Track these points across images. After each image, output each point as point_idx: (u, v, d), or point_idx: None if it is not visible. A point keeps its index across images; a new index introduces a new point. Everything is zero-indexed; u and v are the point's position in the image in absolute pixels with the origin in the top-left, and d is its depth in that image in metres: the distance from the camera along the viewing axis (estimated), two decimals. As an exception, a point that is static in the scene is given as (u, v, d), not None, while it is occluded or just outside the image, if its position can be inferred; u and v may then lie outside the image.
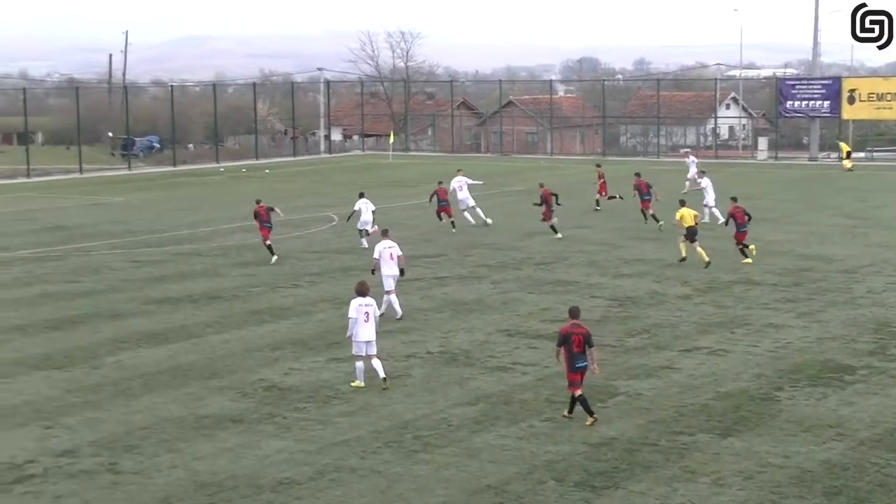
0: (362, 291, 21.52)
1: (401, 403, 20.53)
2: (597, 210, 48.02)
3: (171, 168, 76.31)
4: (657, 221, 41.73)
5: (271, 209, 36.49)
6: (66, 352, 24.40)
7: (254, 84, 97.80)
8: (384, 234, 28.69)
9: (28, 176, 69.90)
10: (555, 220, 40.35)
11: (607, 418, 19.38)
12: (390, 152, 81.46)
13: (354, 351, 21.47)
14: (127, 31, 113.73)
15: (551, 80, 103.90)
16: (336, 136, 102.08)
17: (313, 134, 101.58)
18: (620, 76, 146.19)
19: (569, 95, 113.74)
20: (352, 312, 21.31)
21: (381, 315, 27.34)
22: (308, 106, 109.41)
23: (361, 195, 39.50)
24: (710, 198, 43.88)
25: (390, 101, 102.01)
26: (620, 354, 23.80)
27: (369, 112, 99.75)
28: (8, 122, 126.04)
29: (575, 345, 18.94)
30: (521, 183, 58.31)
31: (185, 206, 50.84)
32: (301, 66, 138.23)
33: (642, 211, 43.21)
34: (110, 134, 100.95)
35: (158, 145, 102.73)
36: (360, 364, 21.49)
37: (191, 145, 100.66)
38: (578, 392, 19.11)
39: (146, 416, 19.77)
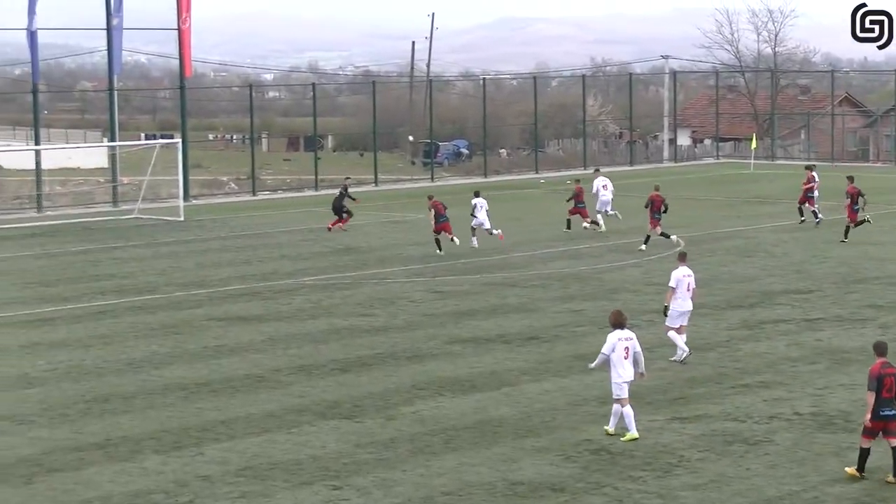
0: (619, 323, 22.42)
1: (761, 476, 20.31)
2: (802, 220, 49.00)
3: (480, 179, 77.89)
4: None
5: (446, 207, 44.78)
6: (357, 399, 25.32)
7: (583, 76, 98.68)
8: (682, 258, 28.46)
9: (316, 188, 72.80)
10: (657, 231, 44.50)
11: None
12: (752, 160, 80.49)
13: (615, 392, 22.28)
14: (433, 14, 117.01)
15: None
16: (683, 139, 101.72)
17: (655, 137, 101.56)
18: None
19: None
20: (606, 347, 22.27)
21: (683, 361, 27.36)
22: (649, 103, 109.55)
23: (477, 194, 46.68)
24: None
25: (753, 96, 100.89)
26: None
27: (726, 110, 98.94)
28: (294, 123, 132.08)
29: (885, 388, 19.52)
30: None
31: (497, 226, 51.80)
32: (642, 54, 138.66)
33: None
34: (410, 138, 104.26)
35: (466, 151, 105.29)
36: (617, 408, 22.27)
37: (504, 151, 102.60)
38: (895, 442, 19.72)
39: (449, 480, 20.29)
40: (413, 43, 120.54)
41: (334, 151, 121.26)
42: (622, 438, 22.14)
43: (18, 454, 21.77)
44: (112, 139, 68.27)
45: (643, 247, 44.38)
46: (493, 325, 32.49)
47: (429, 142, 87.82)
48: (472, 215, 46.02)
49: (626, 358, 22.21)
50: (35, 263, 44.19)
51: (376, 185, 74.77)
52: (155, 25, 68.68)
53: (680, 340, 27.85)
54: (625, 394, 22.21)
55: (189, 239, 50.30)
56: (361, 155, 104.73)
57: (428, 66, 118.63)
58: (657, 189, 45.63)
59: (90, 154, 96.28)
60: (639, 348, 22.53)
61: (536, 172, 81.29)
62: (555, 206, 59.81)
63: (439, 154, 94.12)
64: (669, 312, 27.87)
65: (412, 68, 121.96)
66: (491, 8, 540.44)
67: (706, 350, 29.11)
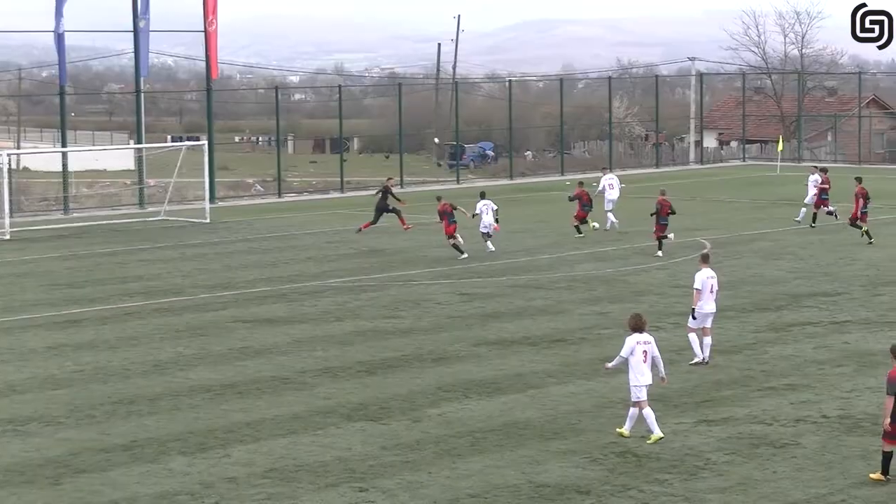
0: (638, 326, 22.48)
1: (788, 479, 20.25)
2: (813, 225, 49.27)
3: (506, 181, 77.94)
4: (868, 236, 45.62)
5: (455, 207, 44.21)
6: (383, 401, 25.35)
7: (609, 78, 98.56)
8: (704, 260, 28.48)
9: (342, 190, 72.99)
10: (671, 235, 44.32)
11: None
12: (778, 163, 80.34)
13: (634, 395, 22.38)
14: (459, 16, 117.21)
15: None
16: (710, 142, 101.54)
17: (681, 139, 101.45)
18: None
19: None
20: (625, 350, 22.40)
21: (705, 362, 27.58)
22: (675, 105, 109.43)
23: (482, 195, 46.03)
24: None
25: (779, 98, 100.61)
26: None
27: (752, 112, 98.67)
28: (320, 125, 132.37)
29: None
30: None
31: (523, 228, 51.81)
32: (668, 55, 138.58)
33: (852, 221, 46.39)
34: (436, 140, 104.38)
35: (492, 153, 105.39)
36: (633, 411, 22.42)
37: (529, 153, 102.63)
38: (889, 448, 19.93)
39: (475, 482, 20.30)
40: (439, 45, 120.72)
41: (360, 153, 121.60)
42: (648, 441, 22.13)
43: (46, 455, 21.87)
44: (139, 141, 68.54)
45: (659, 253, 43.63)
46: (518, 327, 32.49)
47: (455, 144, 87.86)
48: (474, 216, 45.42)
49: (644, 361, 22.30)
50: (62, 265, 44.37)
51: (402, 186, 74.79)
52: (181, 27, 68.87)
53: (696, 345, 27.88)
54: (644, 396, 22.29)
55: (215, 241, 50.42)
56: (387, 157, 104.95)
57: (454, 67, 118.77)
58: (663, 194, 44.85)
59: (117, 156, 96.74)
60: (657, 353, 22.62)
61: (562, 174, 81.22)
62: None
63: (465, 156, 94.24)
64: (697, 315, 27.88)
65: (438, 70, 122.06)
66: (517, 10, 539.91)
67: (732, 353, 29.06)
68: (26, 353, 30.10)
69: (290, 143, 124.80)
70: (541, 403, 25.00)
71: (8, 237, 51.07)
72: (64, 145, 65.95)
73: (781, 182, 72.24)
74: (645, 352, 22.33)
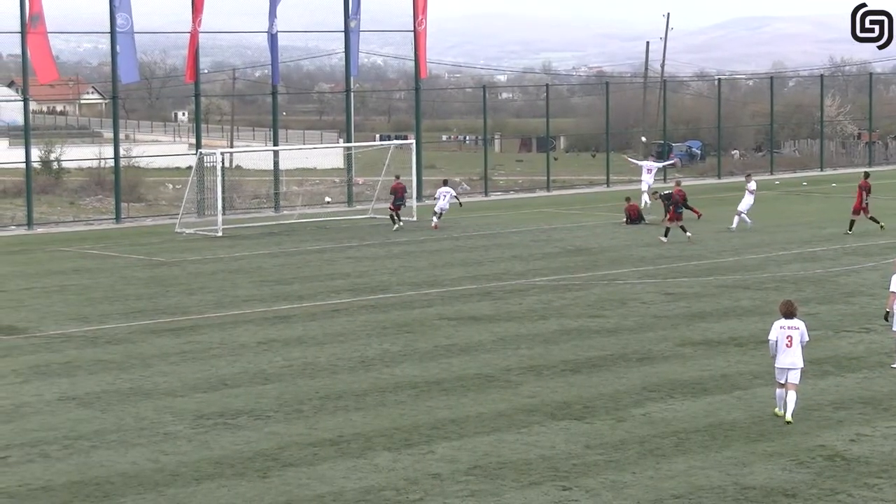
0: (787, 312, 23.23)
1: None
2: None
3: (714, 180, 77.14)
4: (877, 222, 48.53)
5: (406, 191, 53.09)
6: (587, 400, 25.30)
7: (821, 76, 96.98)
8: None
9: (548, 189, 73.04)
10: (676, 224, 47.35)
11: None
12: None
13: (777, 377, 23.37)
14: (668, 14, 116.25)
15: None
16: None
17: (895, 138, 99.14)
18: None
19: None
20: (772, 334, 23.21)
21: None
22: (890, 103, 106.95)
23: (445, 183, 55.17)
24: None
25: None
26: None
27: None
28: (527, 124, 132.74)
29: None
30: None
31: (729, 227, 51.22)
32: (882, 53, 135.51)
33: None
34: (643, 139, 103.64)
35: (699, 152, 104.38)
36: (780, 392, 23.36)
37: (737, 152, 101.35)
38: None
39: (679, 483, 20.13)
40: (647, 43, 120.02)
41: (566, 152, 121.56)
42: (787, 419, 23.02)
43: (255, 448, 22.31)
44: (348, 140, 69.55)
45: (689, 235, 47.07)
46: (725, 327, 32.13)
47: (662, 142, 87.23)
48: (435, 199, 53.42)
49: (788, 346, 23.01)
50: (272, 262, 45.22)
51: (608, 185, 74.60)
52: (391, 27, 69.72)
53: None
54: (784, 378, 23.13)
55: (421, 239, 50.86)
56: (594, 156, 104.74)
57: (662, 66, 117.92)
58: (678, 184, 49.92)
59: (327, 154, 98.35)
60: (807, 338, 23.28)
61: (771, 173, 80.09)
62: (790, 208, 59.06)
63: (672, 155, 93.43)
64: (894, 318, 27.22)
65: (646, 69, 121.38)
66: (727, 7, 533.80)
67: (947, 356, 28.31)
68: (237, 348, 30.76)
69: (496, 142, 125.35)
70: (747, 405, 24.69)
71: (220, 234, 52.23)
72: (275, 144, 67.29)
73: None
74: (789, 336, 23.00)
